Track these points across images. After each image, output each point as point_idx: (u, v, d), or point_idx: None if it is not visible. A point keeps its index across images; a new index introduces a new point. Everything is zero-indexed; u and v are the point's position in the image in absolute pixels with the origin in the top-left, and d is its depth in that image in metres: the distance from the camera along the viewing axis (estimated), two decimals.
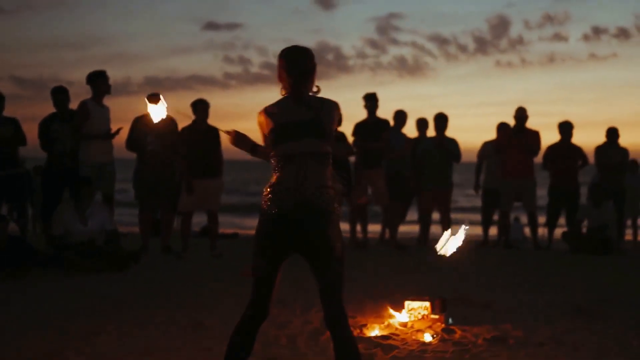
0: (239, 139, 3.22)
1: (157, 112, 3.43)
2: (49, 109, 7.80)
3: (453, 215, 9.66)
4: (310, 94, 3.11)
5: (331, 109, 3.10)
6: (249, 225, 17.03)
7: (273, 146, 3.04)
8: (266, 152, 3.12)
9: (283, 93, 3.11)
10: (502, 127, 9.51)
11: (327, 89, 3.13)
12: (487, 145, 9.57)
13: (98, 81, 7.69)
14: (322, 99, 3.13)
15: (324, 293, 3.00)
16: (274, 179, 3.03)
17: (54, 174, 7.69)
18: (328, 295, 2.99)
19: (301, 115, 3.04)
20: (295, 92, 3.07)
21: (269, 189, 3.02)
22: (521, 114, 9.21)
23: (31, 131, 7.88)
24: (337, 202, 3.09)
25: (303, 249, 3.01)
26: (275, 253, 3.03)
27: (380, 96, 8.82)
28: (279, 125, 3.03)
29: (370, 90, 11.76)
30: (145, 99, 3.42)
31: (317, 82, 3.13)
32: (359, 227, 9.01)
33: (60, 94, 7.76)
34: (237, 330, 3.11)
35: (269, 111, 3.09)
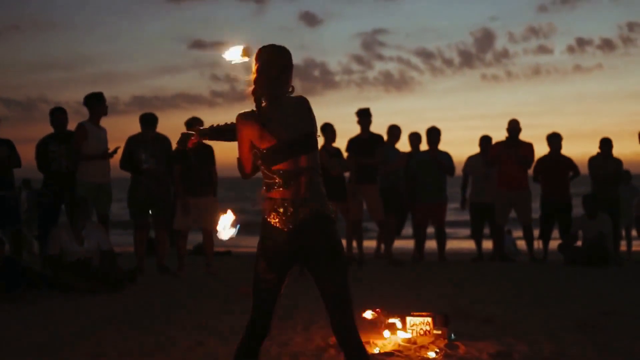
0: (204, 133, 3.33)
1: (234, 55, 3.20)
2: (37, 129, 7.87)
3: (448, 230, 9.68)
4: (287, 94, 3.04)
5: (308, 107, 3.04)
6: (242, 243, 16.94)
7: (272, 162, 2.98)
8: (253, 161, 3.06)
9: (251, 94, 3.00)
10: (485, 140, 9.54)
11: (314, 104, 3.07)
12: (471, 159, 9.59)
13: (95, 103, 7.71)
14: (296, 99, 3.05)
15: (333, 301, 2.97)
16: (277, 194, 2.99)
17: (50, 194, 7.65)
18: (337, 302, 2.96)
19: (296, 130, 2.98)
20: (272, 93, 3.00)
21: (274, 205, 3.00)
22: (514, 126, 9.24)
23: (20, 152, 7.81)
24: (334, 212, 3.11)
25: (309, 259, 2.99)
26: (281, 266, 3.01)
27: None
28: (282, 142, 2.97)
29: (357, 105, 11.79)
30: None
31: (298, 92, 3.07)
32: (354, 243, 8.98)
33: (59, 115, 7.77)
34: (240, 351, 3.06)
35: (258, 120, 2.98)
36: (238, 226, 3.19)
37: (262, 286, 3.03)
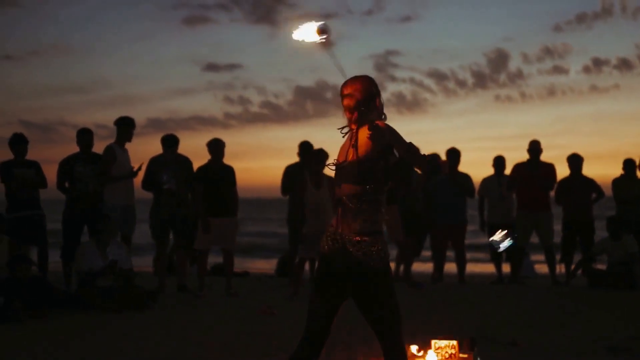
0: None
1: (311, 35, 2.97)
2: (55, 151, 7.96)
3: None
4: (377, 122, 2.95)
5: (380, 133, 2.89)
6: (258, 265, 16.93)
7: (331, 186, 3.12)
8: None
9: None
10: (498, 161, 9.47)
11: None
12: (486, 181, 9.54)
13: (127, 127, 7.85)
14: (376, 128, 2.91)
15: (380, 340, 3.04)
16: (333, 220, 3.08)
17: (75, 214, 7.71)
18: (383, 342, 3.03)
19: (346, 156, 3.03)
20: (359, 120, 3.01)
21: (327, 231, 3.08)
22: (535, 147, 9.19)
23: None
24: (382, 245, 3.03)
25: (351, 293, 3.04)
26: (328, 291, 3.03)
27: None
28: (336, 166, 3.05)
29: None
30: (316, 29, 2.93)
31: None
32: None
33: (86, 135, 7.85)
34: None
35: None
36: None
37: (311, 308, 3.07)
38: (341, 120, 3.07)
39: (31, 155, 7.85)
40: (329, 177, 6.96)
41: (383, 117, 3.04)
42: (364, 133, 2.96)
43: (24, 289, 6.32)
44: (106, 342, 5.25)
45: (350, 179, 2.96)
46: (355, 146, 2.99)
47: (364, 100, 3.00)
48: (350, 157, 3.00)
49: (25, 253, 7.07)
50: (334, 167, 3.05)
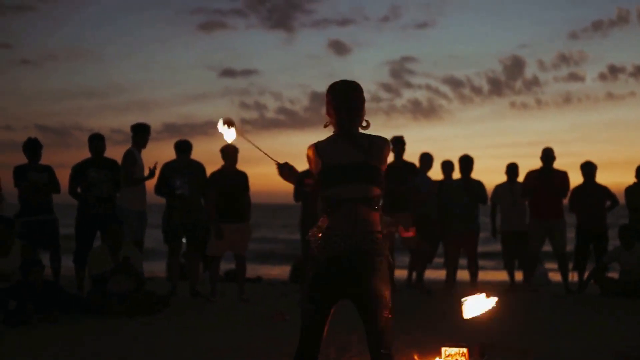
0: (287, 170, 3.19)
1: (229, 135, 3.37)
2: (71, 156, 8.06)
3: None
4: (360, 129, 3.05)
5: (381, 148, 3.02)
6: (271, 273, 16.94)
7: (322, 188, 2.99)
8: (314, 187, 3.07)
9: (332, 128, 3.05)
10: (511, 168, 9.44)
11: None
12: (499, 188, 9.51)
13: (143, 133, 7.96)
14: (370, 136, 3.05)
15: (372, 340, 2.96)
16: (324, 223, 2.99)
17: (88, 219, 7.78)
18: (377, 342, 2.95)
19: (351, 157, 2.97)
20: (344, 128, 3.01)
21: (319, 234, 2.99)
22: (549, 154, 9.15)
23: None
24: (386, 247, 3.06)
25: (353, 295, 2.98)
26: (324, 298, 3.00)
27: None
28: (328, 167, 2.98)
29: (385, 133, 11.81)
30: (220, 120, 3.34)
31: (324, 119, 3.08)
32: None
33: (98, 141, 7.92)
34: None
35: (319, 148, 3.02)
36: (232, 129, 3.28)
37: (306, 319, 3.03)
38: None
39: (46, 159, 7.95)
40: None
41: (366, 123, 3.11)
42: (368, 138, 3.03)
43: (36, 292, 6.37)
44: (117, 347, 5.28)
45: (357, 178, 2.96)
46: (363, 149, 2.99)
47: (363, 106, 3.07)
48: (356, 159, 2.98)
49: (37, 257, 7.12)
50: (332, 169, 3.00)
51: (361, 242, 2.94)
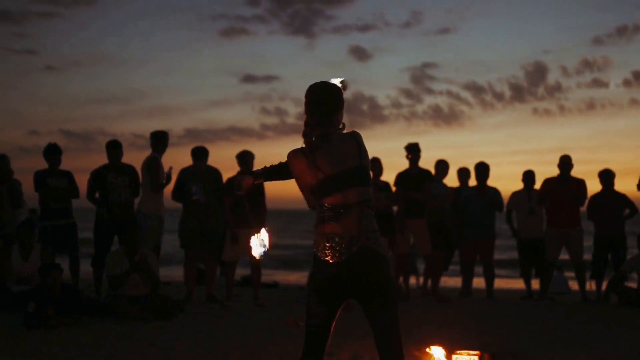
0: (259, 175, 3.33)
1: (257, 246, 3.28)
2: (94, 160, 8.19)
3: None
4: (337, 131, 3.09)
5: (363, 144, 3.07)
6: (288, 279, 17.00)
7: (321, 196, 3.04)
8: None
9: (302, 133, 3.07)
10: (528, 175, 9.40)
11: (363, 138, 3.12)
12: (515, 195, 9.47)
13: (163, 139, 8.16)
14: (346, 135, 3.09)
15: (381, 337, 2.99)
16: (327, 228, 3.02)
17: (106, 224, 7.89)
18: (386, 338, 2.98)
19: (348, 162, 3.01)
20: (323, 130, 3.04)
21: (325, 240, 3.03)
22: (566, 162, 9.11)
23: (80, 182, 8.15)
24: (386, 245, 3.12)
25: (359, 294, 3.01)
26: (331, 301, 3.04)
27: None
28: (329, 176, 3.01)
29: (406, 139, 11.85)
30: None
31: (347, 125, 3.11)
32: (401, 279, 8.94)
33: (114, 149, 8.02)
34: None
35: (311, 158, 3.03)
36: (266, 245, 3.22)
37: (312, 321, 3.07)
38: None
39: (70, 164, 8.13)
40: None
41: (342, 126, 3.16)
42: (351, 137, 3.09)
43: (55, 296, 6.46)
44: (134, 350, 5.35)
45: (358, 182, 3.02)
46: (354, 152, 3.04)
47: (340, 108, 3.15)
48: (352, 164, 3.03)
49: (56, 261, 7.23)
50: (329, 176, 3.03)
51: (366, 242, 2.99)
